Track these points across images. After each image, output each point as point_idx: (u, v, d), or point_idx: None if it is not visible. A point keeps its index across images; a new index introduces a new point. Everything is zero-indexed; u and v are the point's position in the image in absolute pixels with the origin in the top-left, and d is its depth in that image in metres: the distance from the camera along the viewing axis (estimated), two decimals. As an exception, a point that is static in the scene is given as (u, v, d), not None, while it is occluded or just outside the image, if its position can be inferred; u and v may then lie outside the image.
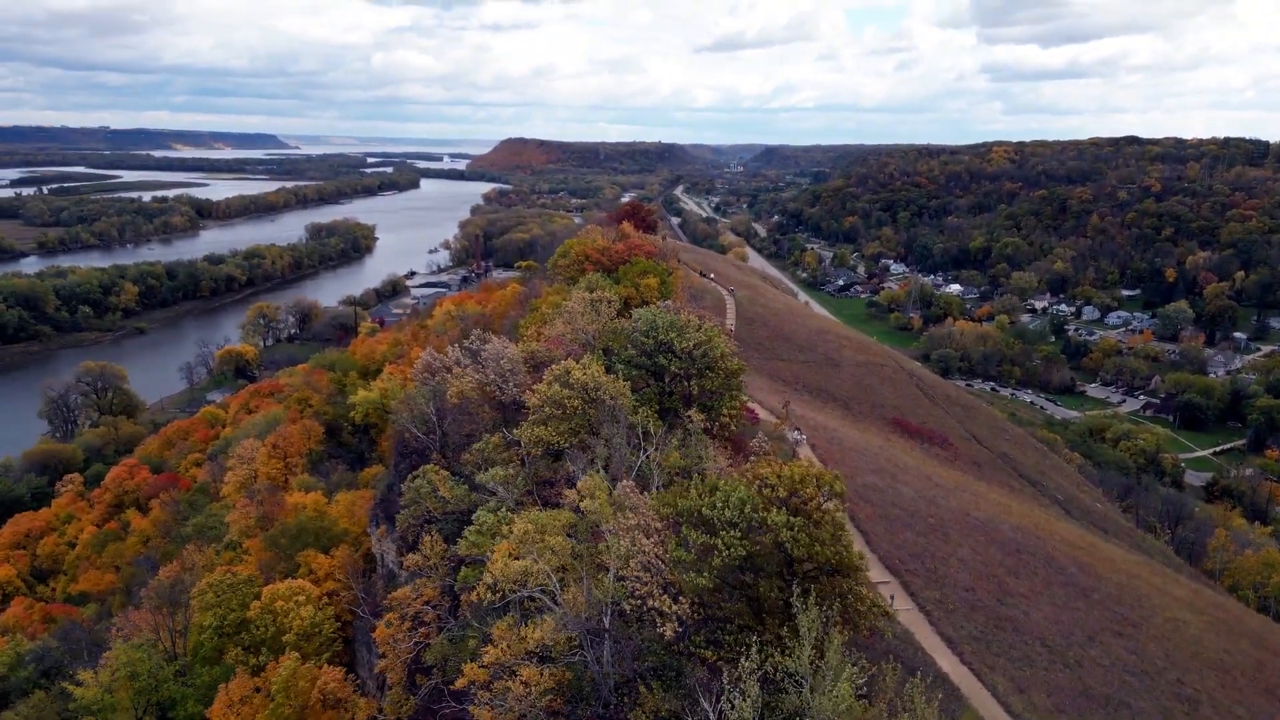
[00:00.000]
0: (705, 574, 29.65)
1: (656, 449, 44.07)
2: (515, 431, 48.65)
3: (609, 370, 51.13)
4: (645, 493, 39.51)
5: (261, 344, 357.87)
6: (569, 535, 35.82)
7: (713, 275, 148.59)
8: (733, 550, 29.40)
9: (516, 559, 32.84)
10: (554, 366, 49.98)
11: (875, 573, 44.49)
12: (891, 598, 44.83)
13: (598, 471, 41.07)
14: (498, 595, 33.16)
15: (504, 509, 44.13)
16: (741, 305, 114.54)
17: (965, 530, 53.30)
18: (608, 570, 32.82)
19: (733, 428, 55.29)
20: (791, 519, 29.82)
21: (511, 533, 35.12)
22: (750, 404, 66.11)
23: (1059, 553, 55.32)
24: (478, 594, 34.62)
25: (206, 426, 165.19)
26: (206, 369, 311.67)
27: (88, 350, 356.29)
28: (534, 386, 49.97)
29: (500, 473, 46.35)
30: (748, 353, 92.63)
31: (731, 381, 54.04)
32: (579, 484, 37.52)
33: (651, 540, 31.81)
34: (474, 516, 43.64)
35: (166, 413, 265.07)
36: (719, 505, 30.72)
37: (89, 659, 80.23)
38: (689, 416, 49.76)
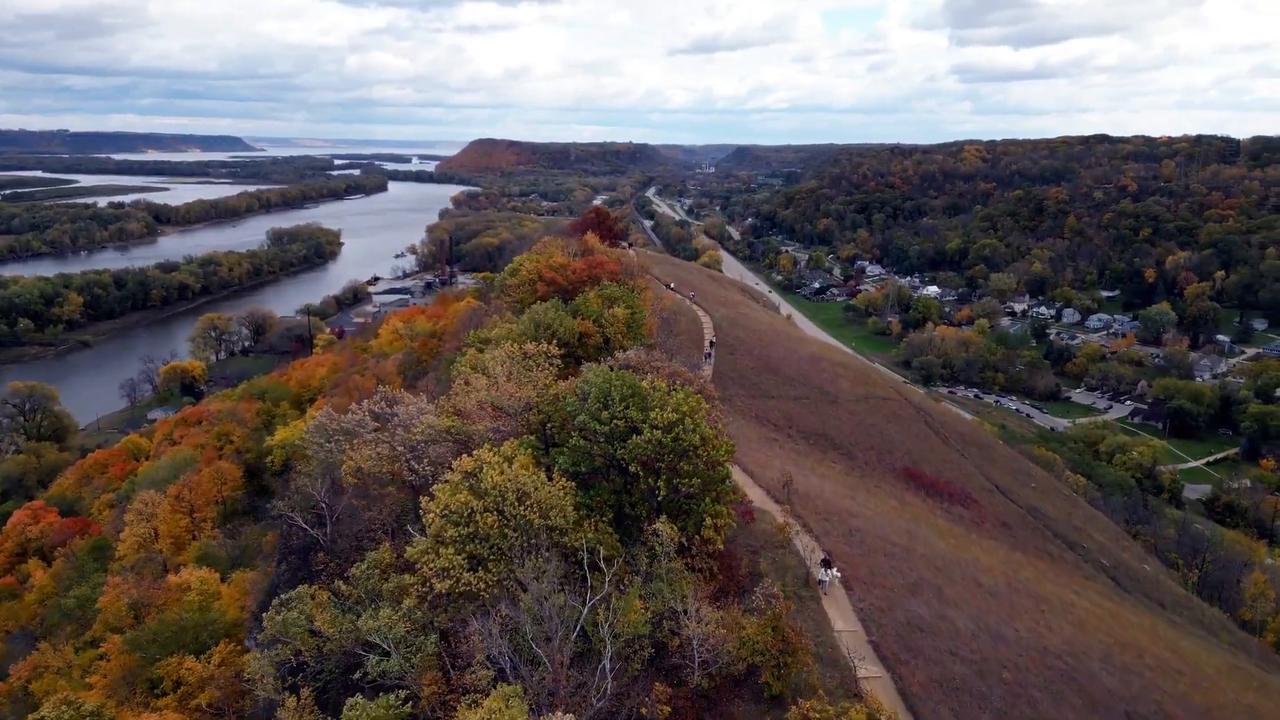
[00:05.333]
0: None
1: (607, 601, 30.11)
2: (409, 550, 34.76)
3: (544, 461, 37.27)
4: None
5: (213, 358, 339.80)
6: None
7: (673, 285, 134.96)
8: None
9: None
10: (461, 461, 35.93)
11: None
12: None
13: (512, 657, 27.29)
14: None
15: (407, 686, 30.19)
16: (721, 328, 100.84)
17: (1052, 686, 39.82)
18: None
19: (719, 544, 39.95)
20: None
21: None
22: (738, 473, 52.11)
23: (1172, 704, 42.13)
24: None
25: (126, 459, 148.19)
26: (151, 385, 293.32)
27: (27, 366, 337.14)
28: (435, 487, 35.87)
29: (391, 619, 32.33)
30: (730, 389, 79.22)
31: (716, 475, 39.91)
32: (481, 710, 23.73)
33: None
34: (377, 703, 29.70)
35: (103, 434, 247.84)
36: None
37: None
38: (655, 531, 35.91)
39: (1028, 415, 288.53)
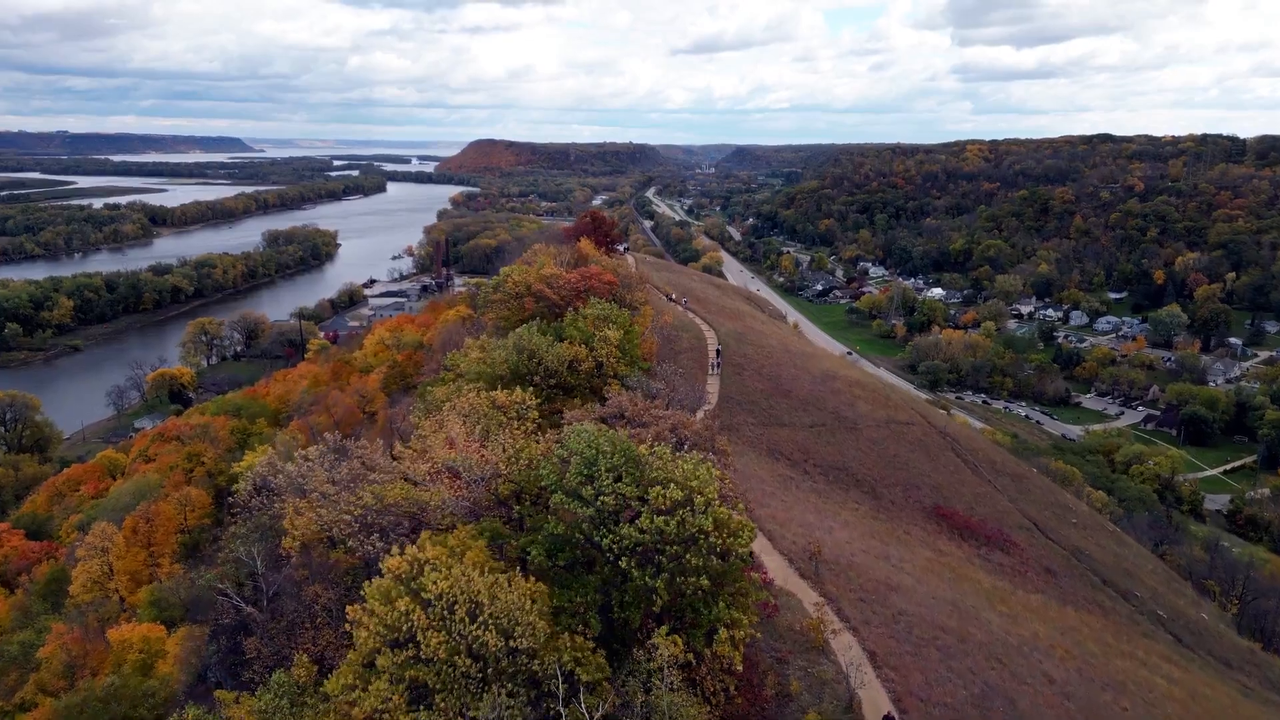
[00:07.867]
0: None
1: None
2: (327, 684, 27.53)
3: (517, 542, 29.78)
4: None
5: (204, 363, 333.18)
6: None
7: (674, 295, 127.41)
8: None
9: None
10: (393, 560, 27.99)
11: None
12: None
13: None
14: None
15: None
16: (727, 344, 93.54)
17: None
18: None
19: (737, 663, 30.12)
20: None
21: None
22: (758, 532, 44.24)
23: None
24: None
25: (101, 476, 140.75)
26: (139, 393, 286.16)
27: (14, 373, 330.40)
28: (366, 588, 28.16)
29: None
30: (738, 417, 72.11)
31: (732, 570, 30.48)
32: None
33: None
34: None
35: (87, 444, 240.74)
36: None
37: None
38: (651, 646, 27.91)
39: (1038, 422, 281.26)
